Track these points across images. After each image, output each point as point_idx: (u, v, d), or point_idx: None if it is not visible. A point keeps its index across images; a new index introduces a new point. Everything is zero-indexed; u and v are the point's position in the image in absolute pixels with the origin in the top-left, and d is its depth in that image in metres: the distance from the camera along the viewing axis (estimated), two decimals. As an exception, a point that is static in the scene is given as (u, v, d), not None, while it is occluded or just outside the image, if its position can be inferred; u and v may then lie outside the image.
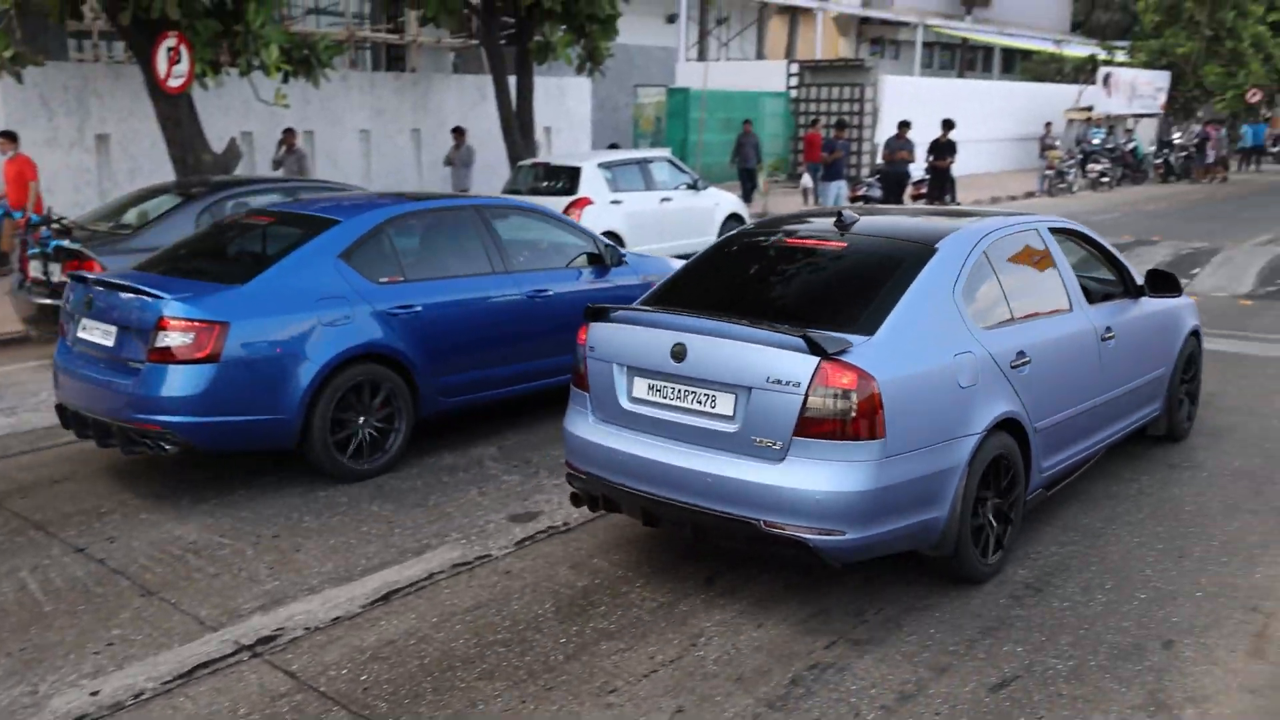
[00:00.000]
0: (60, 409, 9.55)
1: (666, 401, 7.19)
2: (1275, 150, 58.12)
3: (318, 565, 7.76)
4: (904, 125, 27.17)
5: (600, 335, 7.58)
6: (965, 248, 7.64)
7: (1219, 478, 9.45)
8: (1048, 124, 40.22)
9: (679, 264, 11.56)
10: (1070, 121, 44.06)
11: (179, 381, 8.66)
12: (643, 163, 21.36)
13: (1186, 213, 32.28)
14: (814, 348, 6.59)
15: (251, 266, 9.35)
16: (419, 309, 9.73)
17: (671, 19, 47.64)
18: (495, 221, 10.81)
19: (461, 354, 10.07)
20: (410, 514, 8.71)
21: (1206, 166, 46.37)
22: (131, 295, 8.99)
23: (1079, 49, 63.60)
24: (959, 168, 29.53)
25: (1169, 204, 35.45)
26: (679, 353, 7.07)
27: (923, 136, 30.45)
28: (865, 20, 61.06)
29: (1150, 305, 9.62)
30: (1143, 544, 8.01)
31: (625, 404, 7.38)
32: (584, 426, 7.64)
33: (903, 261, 7.39)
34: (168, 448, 8.75)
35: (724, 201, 22.75)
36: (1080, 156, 40.49)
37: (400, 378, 9.62)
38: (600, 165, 20.71)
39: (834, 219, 7.99)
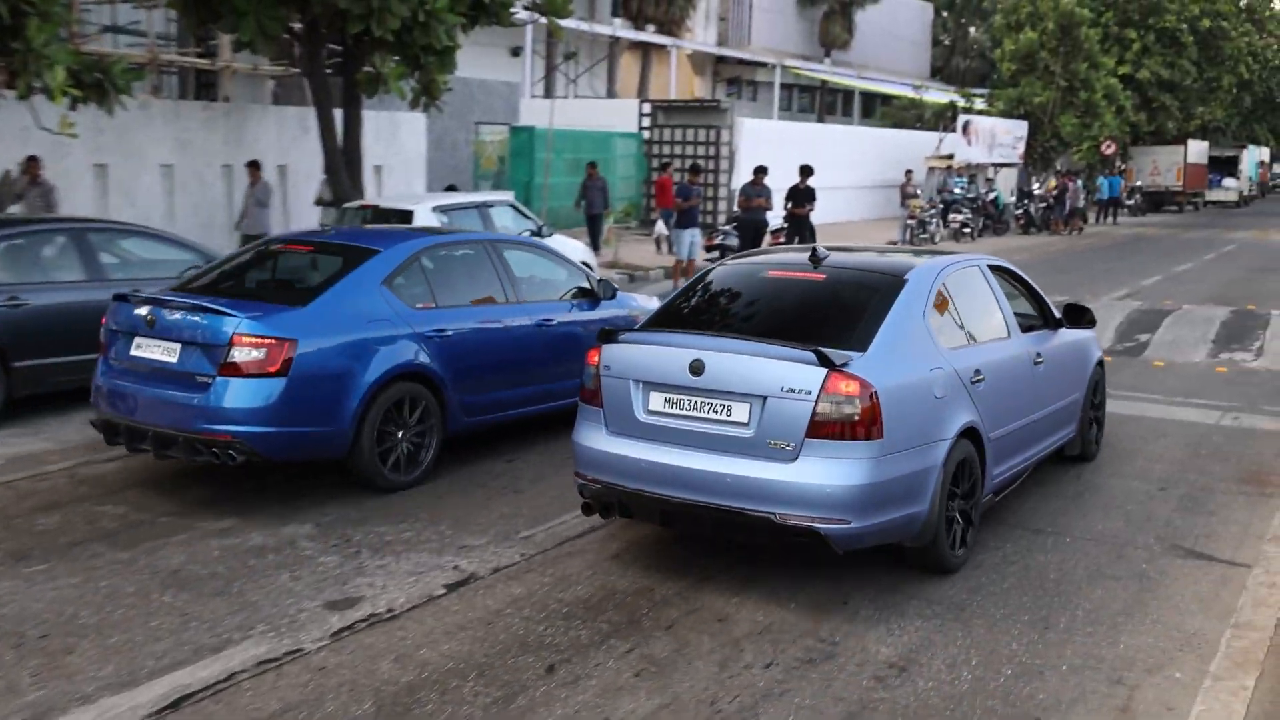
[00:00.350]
0: (107, 424, 10.22)
1: (683, 413, 8.09)
2: (1130, 203, 59.08)
3: (94, 669, 7.06)
4: (760, 171, 26.39)
5: (615, 355, 8.46)
6: (929, 279, 8.82)
7: (1082, 542, 9.54)
8: (908, 171, 39.72)
9: (658, 301, 12.74)
10: (931, 169, 43.46)
11: (249, 394, 9.47)
12: (482, 206, 20.29)
13: (1048, 264, 32.52)
14: (823, 360, 7.70)
15: (306, 290, 10.24)
16: (450, 333, 10.71)
17: (516, 52, 46.42)
18: (507, 254, 11.88)
19: (483, 376, 11.03)
20: (209, 604, 8.02)
21: (1065, 218, 46.34)
22: (199, 314, 9.76)
23: (938, 95, 63.68)
24: (818, 215, 28.14)
25: (1030, 255, 35.35)
26: (697, 368, 8.00)
27: (781, 182, 29.57)
28: (721, 59, 59.94)
29: (1066, 335, 10.86)
30: (1008, 615, 8.05)
31: (641, 416, 8.25)
32: (598, 439, 8.44)
33: (879, 290, 8.57)
34: (236, 457, 9.50)
35: (570, 250, 21.29)
36: (942, 206, 40.22)
37: (433, 396, 10.55)
38: (435, 209, 19.49)
39: (808, 255, 9.09)
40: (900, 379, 7.98)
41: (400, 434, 10.34)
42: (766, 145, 38.71)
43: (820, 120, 63.31)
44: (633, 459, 8.22)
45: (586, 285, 12.47)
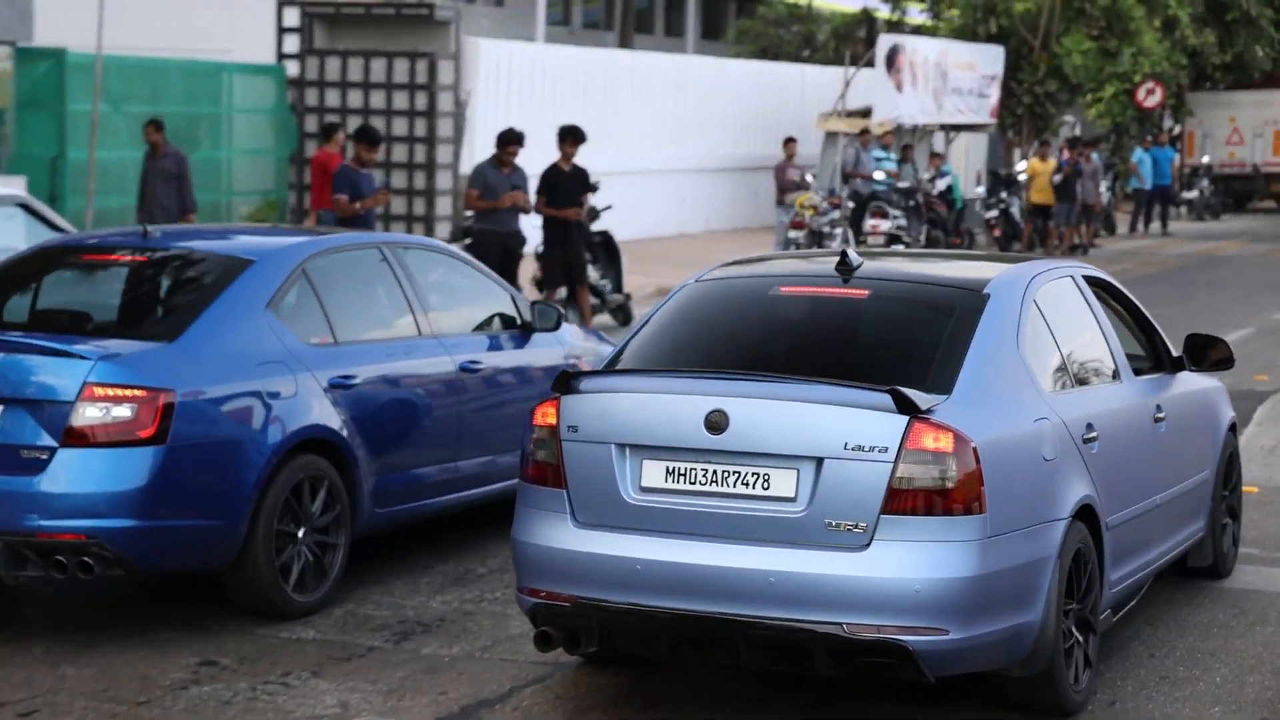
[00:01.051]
0: None
1: (696, 488, 6.60)
2: (1191, 196, 44.43)
3: None
4: (510, 140, 19.68)
5: (584, 410, 6.83)
6: (1018, 294, 7.40)
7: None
8: (790, 141, 30.37)
9: (599, 339, 11.73)
10: (830, 137, 32.62)
11: (110, 472, 7.95)
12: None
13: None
14: (902, 404, 6.30)
15: (166, 318, 8.80)
16: (358, 381, 8.94)
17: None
18: (408, 262, 10.10)
19: (399, 445, 9.32)
20: None
21: (1075, 222, 35.21)
22: (25, 356, 8.27)
23: None
24: (621, 224, 21.47)
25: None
26: (717, 422, 6.50)
27: (543, 160, 22.22)
28: None
29: (1189, 383, 9.04)
30: None
31: (631, 497, 6.66)
32: (559, 534, 6.78)
33: (953, 310, 7.16)
34: (93, 566, 7.91)
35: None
36: (851, 205, 31.31)
37: (340, 476, 8.77)
38: None
39: (836, 262, 7.50)
40: (1001, 431, 6.60)
41: (301, 532, 8.44)
42: (524, 90, 30.75)
43: (625, 44, 44.33)
44: (620, 559, 6.57)
45: (512, 311, 10.53)
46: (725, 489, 6.48)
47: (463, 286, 10.51)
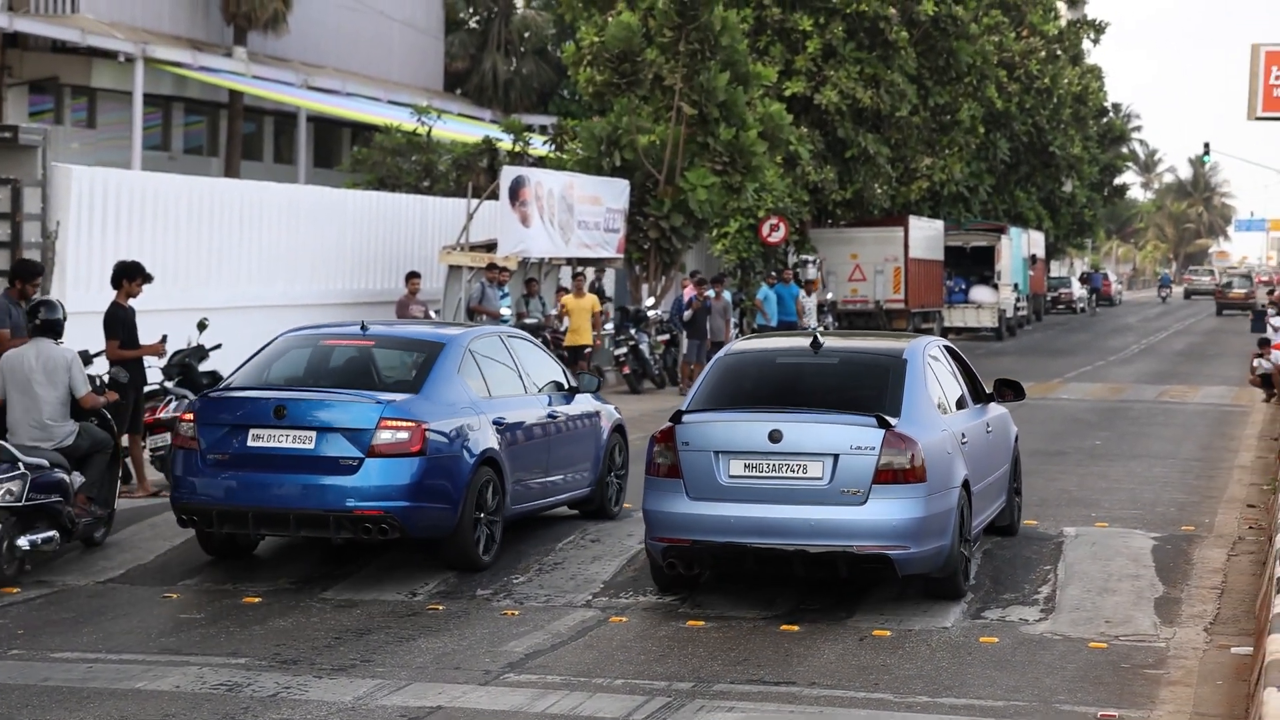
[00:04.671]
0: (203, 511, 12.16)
1: (762, 474, 10.87)
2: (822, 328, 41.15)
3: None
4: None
5: (694, 431, 11.12)
6: (920, 355, 11.82)
7: None
8: (413, 276, 28.49)
9: (605, 402, 15.59)
10: (454, 270, 30.21)
11: (399, 472, 11.71)
12: None
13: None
14: (882, 423, 10.72)
15: (409, 379, 12.58)
16: (506, 421, 12.81)
17: None
18: (513, 345, 14.06)
19: (523, 463, 13.08)
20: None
21: (705, 357, 32.81)
22: (334, 402, 12.06)
23: (463, 127, 43.55)
24: (233, 365, 15.98)
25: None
26: (776, 436, 10.79)
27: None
28: (18, 43, 38.68)
29: (996, 410, 13.50)
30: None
31: (723, 480, 10.93)
32: (680, 505, 10.99)
33: (890, 367, 11.59)
34: (387, 530, 11.68)
35: None
36: None
37: (499, 480, 12.56)
38: None
39: (809, 342, 12.09)
40: (930, 436, 10.97)
41: (482, 515, 12.26)
42: (122, 220, 27.05)
43: (231, 171, 41.67)
44: (720, 516, 10.81)
45: (561, 378, 14.44)
46: (780, 474, 10.79)
47: (536, 359, 14.36)
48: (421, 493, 11.64)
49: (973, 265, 51.88)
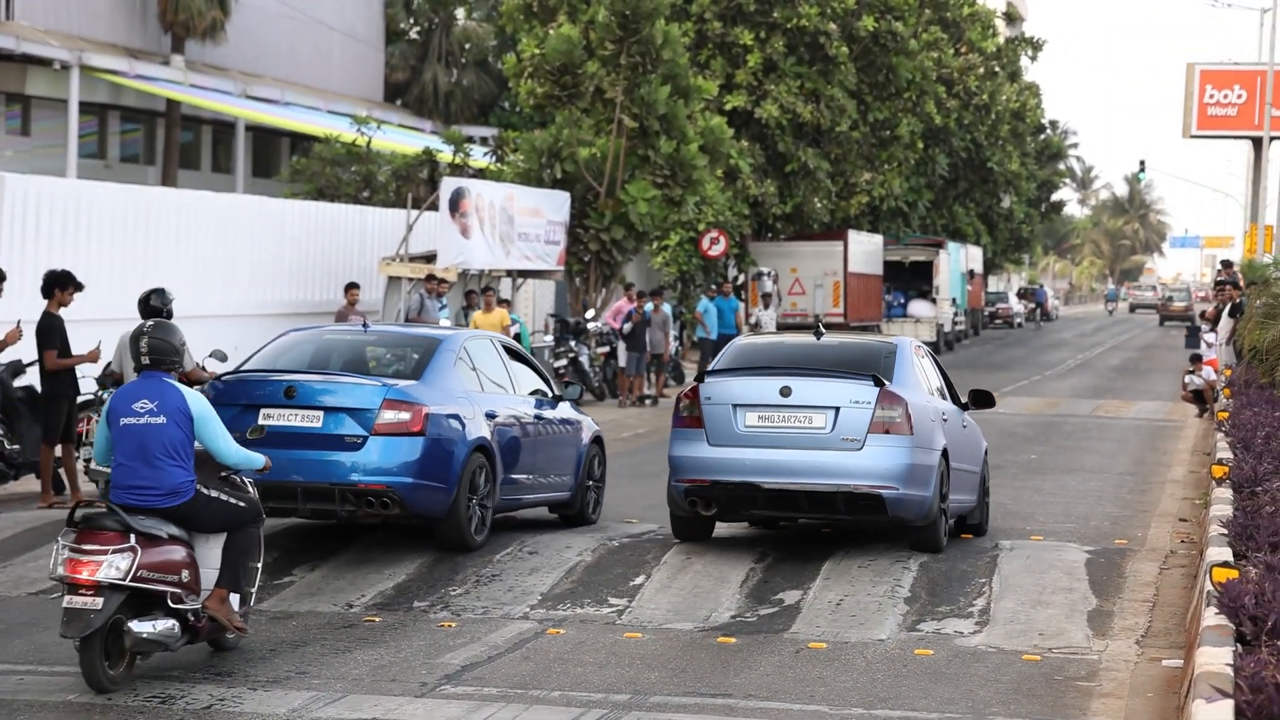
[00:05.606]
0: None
1: (773, 424, 12.44)
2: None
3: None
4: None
5: (715, 387, 12.74)
6: (909, 345, 13.69)
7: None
8: (352, 287, 27.57)
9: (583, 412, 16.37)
10: (394, 282, 29.69)
11: (399, 450, 12.30)
12: None
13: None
14: (877, 381, 12.39)
15: (409, 368, 13.16)
16: (497, 414, 13.47)
17: None
18: (500, 350, 14.69)
19: (512, 456, 13.71)
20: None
21: (647, 370, 32.95)
22: (341, 384, 12.61)
23: (403, 138, 42.66)
24: None
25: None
26: (786, 391, 12.39)
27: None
28: None
29: (966, 415, 14.74)
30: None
31: (740, 429, 12.49)
32: (701, 450, 12.54)
33: (882, 350, 13.42)
34: (388, 504, 12.28)
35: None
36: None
37: (490, 467, 13.18)
38: None
39: (813, 333, 13.99)
40: (917, 399, 12.72)
41: (474, 499, 12.91)
42: (57, 229, 26.87)
43: (168, 180, 40.73)
44: (736, 459, 12.37)
45: (543, 385, 14.97)
46: (789, 424, 12.35)
47: (522, 365, 14.96)
48: (421, 471, 12.16)
49: (911, 280, 51.88)
